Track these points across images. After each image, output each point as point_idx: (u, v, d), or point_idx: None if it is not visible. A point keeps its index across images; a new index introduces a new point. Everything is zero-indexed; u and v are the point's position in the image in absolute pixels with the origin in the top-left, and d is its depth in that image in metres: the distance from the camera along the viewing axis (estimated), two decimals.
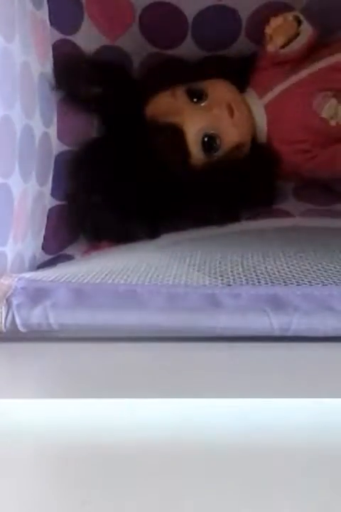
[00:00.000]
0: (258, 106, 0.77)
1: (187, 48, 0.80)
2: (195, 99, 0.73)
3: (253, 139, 0.77)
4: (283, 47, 0.75)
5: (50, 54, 0.73)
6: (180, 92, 0.73)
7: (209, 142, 0.73)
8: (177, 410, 0.39)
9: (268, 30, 0.74)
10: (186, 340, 0.47)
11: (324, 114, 0.75)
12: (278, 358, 0.45)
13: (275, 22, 0.74)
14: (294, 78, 0.76)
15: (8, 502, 0.35)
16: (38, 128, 0.67)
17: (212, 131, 0.72)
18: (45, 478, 0.37)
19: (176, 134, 0.71)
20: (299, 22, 0.75)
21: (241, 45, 0.80)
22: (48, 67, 0.72)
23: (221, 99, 0.73)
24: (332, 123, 0.75)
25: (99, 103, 0.75)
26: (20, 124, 0.61)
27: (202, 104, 0.73)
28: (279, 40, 0.75)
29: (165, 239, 0.71)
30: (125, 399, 0.40)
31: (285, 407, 0.39)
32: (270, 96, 0.77)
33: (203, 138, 0.72)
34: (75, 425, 0.39)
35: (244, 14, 0.77)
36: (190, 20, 0.77)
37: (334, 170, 0.77)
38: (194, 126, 0.72)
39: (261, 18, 0.76)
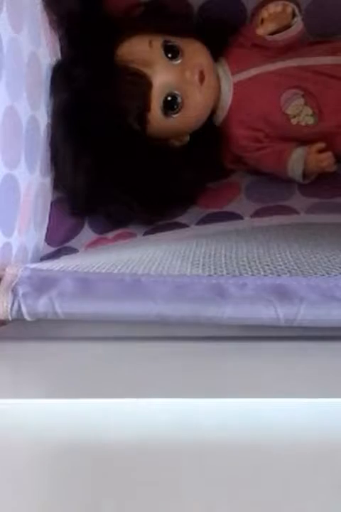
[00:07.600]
0: (227, 81, 0.76)
1: None
2: (169, 55, 0.72)
3: (208, 119, 0.77)
4: (271, 33, 0.75)
5: (58, 46, 0.72)
6: (157, 44, 0.72)
7: (171, 102, 0.72)
8: (178, 410, 0.39)
9: (264, 13, 0.74)
10: (186, 340, 0.47)
11: (288, 111, 0.75)
12: (279, 358, 0.45)
13: (275, 8, 0.74)
14: (270, 66, 0.76)
15: (8, 502, 0.35)
16: (43, 119, 0.67)
17: (176, 91, 0.72)
18: (45, 478, 0.37)
19: (143, 82, 0.70)
20: (293, 14, 0.75)
21: None
22: (56, 60, 0.72)
23: (195, 63, 0.72)
24: (293, 121, 0.75)
25: (74, 23, 0.73)
26: (25, 115, 0.61)
27: (176, 63, 0.72)
28: (270, 26, 0.75)
29: (167, 235, 0.71)
30: (125, 399, 0.40)
31: (285, 407, 0.39)
32: (243, 76, 0.76)
33: (167, 96, 0.71)
34: (75, 425, 0.39)
35: (249, 4, 0.78)
36: (195, 8, 0.78)
37: (276, 167, 0.77)
38: (162, 80, 0.71)
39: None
